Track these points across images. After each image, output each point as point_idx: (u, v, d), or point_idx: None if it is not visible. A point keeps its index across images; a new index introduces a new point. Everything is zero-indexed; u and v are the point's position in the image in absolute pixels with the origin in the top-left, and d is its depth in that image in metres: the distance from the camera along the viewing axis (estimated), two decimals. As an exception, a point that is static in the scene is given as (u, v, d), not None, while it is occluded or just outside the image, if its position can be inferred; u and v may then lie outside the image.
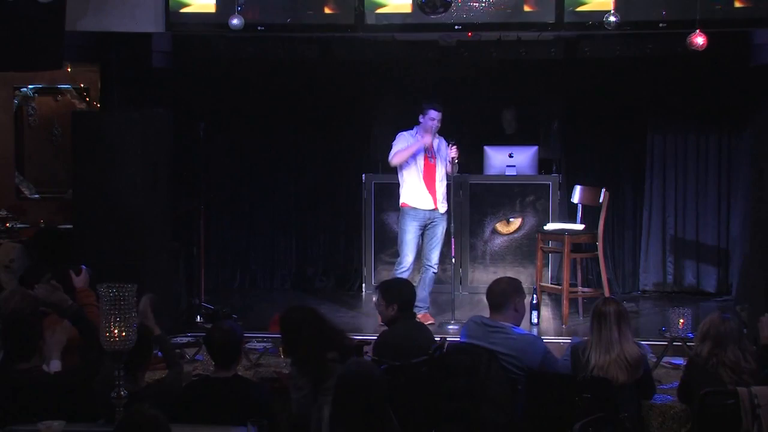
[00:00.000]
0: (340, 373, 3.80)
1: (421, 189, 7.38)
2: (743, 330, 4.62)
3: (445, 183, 7.47)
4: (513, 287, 4.93)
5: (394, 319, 5.16)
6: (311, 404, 4.41)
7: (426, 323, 7.36)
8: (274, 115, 8.98)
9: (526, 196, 8.57)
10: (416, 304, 7.47)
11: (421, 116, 7.35)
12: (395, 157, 7.35)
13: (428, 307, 7.57)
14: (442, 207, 7.47)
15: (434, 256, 7.49)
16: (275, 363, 5.28)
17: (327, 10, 7.08)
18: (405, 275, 7.34)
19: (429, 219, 7.44)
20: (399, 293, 5.25)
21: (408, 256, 7.40)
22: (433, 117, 7.28)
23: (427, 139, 7.28)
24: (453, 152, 7.29)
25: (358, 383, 3.72)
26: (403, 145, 7.34)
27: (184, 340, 5.92)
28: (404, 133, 7.43)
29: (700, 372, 4.51)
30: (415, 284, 7.72)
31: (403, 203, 7.45)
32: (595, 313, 4.70)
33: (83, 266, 5.22)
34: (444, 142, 7.46)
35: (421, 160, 7.37)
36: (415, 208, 7.39)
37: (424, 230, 7.47)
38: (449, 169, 7.37)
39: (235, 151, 9.10)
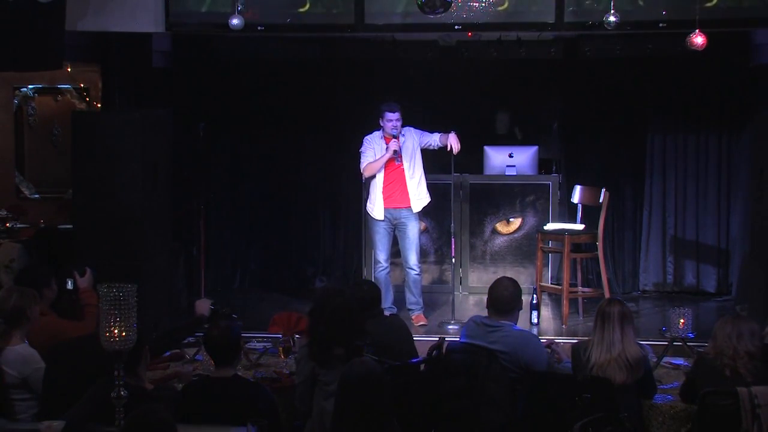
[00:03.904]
0: (343, 374, 3.80)
1: (377, 198, 7.44)
2: (750, 330, 4.58)
3: (417, 180, 7.44)
4: (518, 290, 4.95)
5: None
6: (308, 394, 4.42)
7: (418, 324, 7.40)
8: (274, 114, 8.97)
9: (526, 196, 8.57)
10: (408, 306, 7.55)
11: (380, 120, 7.38)
12: (366, 170, 7.44)
13: (422, 309, 7.57)
14: (417, 205, 7.45)
15: (411, 258, 7.49)
16: (275, 363, 5.28)
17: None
18: (383, 273, 7.46)
19: (395, 218, 7.46)
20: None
21: (381, 254, 7.48)
22: (390, 118, 7.31)
23: (393, 146, 7.29)
24: (454, 143, 7.27)
25: (362, 384, 3.72)
26: (370, 154, 7.39)
27: (184, 340, 5.90)
28: (368, 137, 7.47)
29: (707, 370, 4.50)
30: (400, 283, 7.84)
31: (366, 209, 7.60)
32: (599, 313, 4.73)
33: (88, 268, 5.30)
34: (412, 132, 7.44)
35: (380, 169, 7.40)
36: (371, 216, 7.49)
37: (395, 229, 7.50)
38: (456, 147, 7.29)
39: (235, 151, 9.09)
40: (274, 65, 8.84)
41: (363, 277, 8.42)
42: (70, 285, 5.49)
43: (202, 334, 4.78)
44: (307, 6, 7.10)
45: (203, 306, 5.25)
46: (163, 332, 5.26)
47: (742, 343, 4.48)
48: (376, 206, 7.45)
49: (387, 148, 7.33)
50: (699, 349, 4.94)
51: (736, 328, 4.51)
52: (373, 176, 7.43)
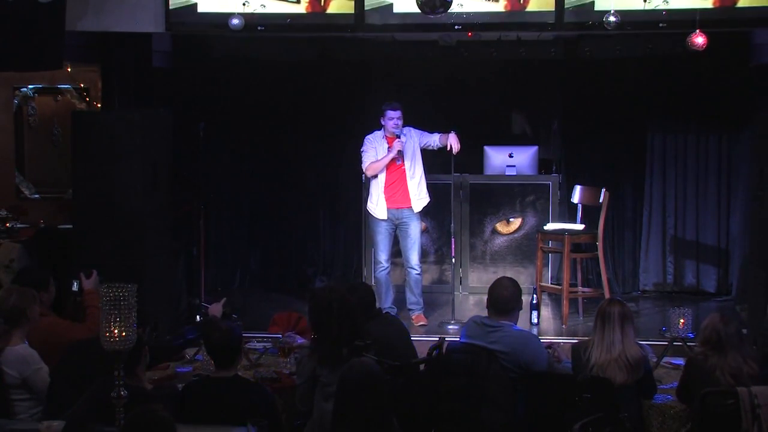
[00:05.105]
0: (343, 374, 3.80)
1: (379, 197, 7.43)
2: (743, 332, 4.63)
3: (417, 180, 7.44)
4: (518, 290, 4.95)
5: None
6: (309, 395, 4.43)
7: (418, 324, 7.41)
8: (274, 115, 8.98)
9: (526, 196, 8.57)
10: (408, 306, 7.55)
11: (381, 119, 7.39)
12: (369, 169, 7.43)
13: (422, 308, 7.58)
14: (417, 205, 7.45)
15: (413, 258, 7.48)
16: (275, 363, 5.27)
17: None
18: (383, 273, 7.46)
19: (397, 218, 7.45)
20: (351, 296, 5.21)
21: (382, 255, 7.48)
22: (391, 116, 7.32)
23: (397, 146, 7.29)
24: (454, 142, 7.27)
25: (361, 384, 3.72)
26: (372, 154, 7.39)
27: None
28: (369, 137, 7.47)
29: (698, 372, 4.52)
30: (401, 284, 7.84)
31: (367, 209, 7.59)
32: (600, 313, 4.74)
33: (94, 270, 5.33)
34: (412, 132, 7.44)
35: (383, 169, 7.39)
36: (374, 216, 7.48)
37: (397, 229, 7.50)
38: (456, 147, 7.29)
39: (235, 151, 9.09)
40: (273, 65, 8.83)
41: (363, 277, 8.43)
42: (75, 287, 5.50)
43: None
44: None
45: (216, 308, 5.28)
46: (176, 334, 5.28)
47: (734, 356, 4.50)
48: (378, 206, 7.44)
49: (391, 147, 7.33)
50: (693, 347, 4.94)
51: (732, 338, 4.52)
52: (375, 176, 7.43)
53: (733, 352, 4.49)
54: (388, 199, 7.42)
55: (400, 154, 7.34)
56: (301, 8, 7.13)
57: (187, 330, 5.24)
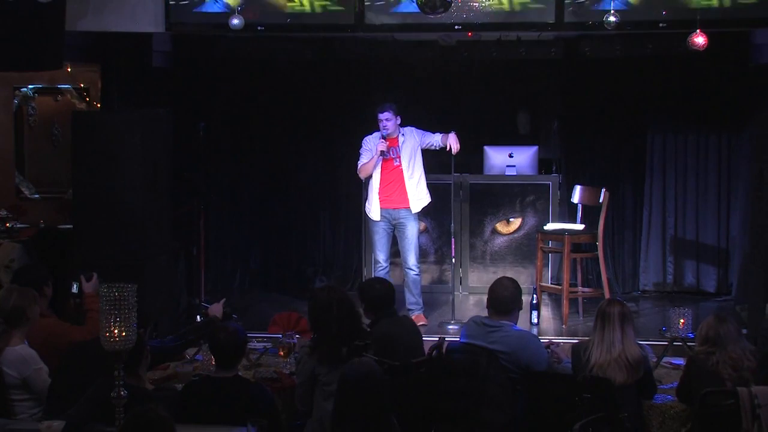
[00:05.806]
0: (343, 374, 3.80)
1: (374, 198, 7.43)
2: (741, 330, 4.64)
3: (416, 180, 7.42)
4: (518, 290, 4.95)
5: (374, 320, 5.14)
6: (309, 395, 4.43)
7: (418, 324, 7.39)
8: (274, 114, 8.98)
9: (526, 196, 8.57)
10: (407, 306, 7.55)
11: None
12: (360, 171, 7.46)
13: (421, 309, 7.57)
14: (416, 205, 7.43)
15: (410, 258, 7.47)
16: (275, 363, 5.27)
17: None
18: (382, 273, 7.42)
19: (394, 219, 7.45)
20: (366, 292, 5.23)
21: (380, 254, 7.48)
22: (379, 119, 7.31)
23: (380, 147, 7.27)
24: (454, 143, 7.27)
25: (361, 384, 3.72)
26: (367, 155, 7.39)
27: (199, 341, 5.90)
28: (368, 137, 7.47)
29: (699, 372, 4.52)
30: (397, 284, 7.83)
31: (364, 209, 7.62)
32: (599, 313, 4.74)
33: (95, 273, 5.32)
34: (414, 132, 7.43)
35: (377, 169, 7.39)
36: (369, 216, 7.49)
37: (394, 229, 7.50)
38: (455, 147, 7.27)
39: (235, 151, 9.09)
40: (274, 65, 8.84)
41: (363, 277, 8.43)
42: (74, 288, 5.50)
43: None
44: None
45: (216, 308, 5.29)
46: (177, 333, 5.27)
47: (734, 348, 4.51)
48: (373, 207, 7.44)
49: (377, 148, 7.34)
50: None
51: (730, 333, 4.54)
52: (371, 176, 7.43)
53: (732, 345, 4.51)
54: (384, 199, 7.41)
55: (384, 155, 7.32)
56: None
57: (186, 330, 5.23)
